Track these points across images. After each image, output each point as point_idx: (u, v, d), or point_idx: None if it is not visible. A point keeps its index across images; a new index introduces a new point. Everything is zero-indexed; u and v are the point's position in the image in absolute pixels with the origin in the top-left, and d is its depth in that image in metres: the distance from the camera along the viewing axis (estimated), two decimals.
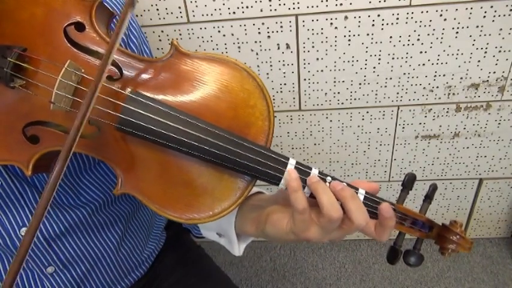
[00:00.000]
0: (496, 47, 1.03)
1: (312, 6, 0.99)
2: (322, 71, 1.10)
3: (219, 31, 1.05)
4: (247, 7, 1.00)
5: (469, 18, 0.98)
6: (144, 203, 0.47)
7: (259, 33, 1.04)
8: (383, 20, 1.00)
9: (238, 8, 1.00)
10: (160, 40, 1.08)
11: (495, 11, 0.97)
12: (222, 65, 0.47)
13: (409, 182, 0.51)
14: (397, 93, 1.13)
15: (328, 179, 0.46)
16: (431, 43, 1.03)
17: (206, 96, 0.46)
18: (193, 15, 1.03)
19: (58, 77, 0.42)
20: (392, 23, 1.00)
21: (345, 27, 1.02)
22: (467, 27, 1.00)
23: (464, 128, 1.19)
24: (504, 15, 0.98)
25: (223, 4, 1.00)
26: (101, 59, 0.46)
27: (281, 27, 1.03)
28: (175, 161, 0.46)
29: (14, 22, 0.46)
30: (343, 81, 1.12)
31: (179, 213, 0.47)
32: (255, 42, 1.06)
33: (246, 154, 0.44)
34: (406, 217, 0.50)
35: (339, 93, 1.14)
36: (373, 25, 1.01)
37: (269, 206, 0.54)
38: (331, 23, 1.01)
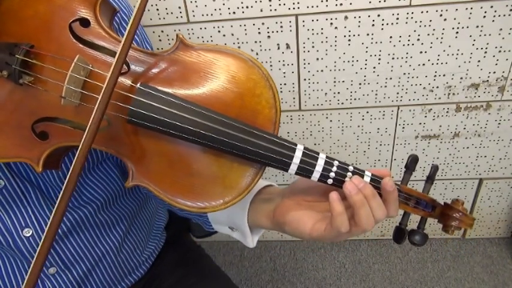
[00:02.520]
0: (496, 47, 1.03)
1: (312, 6, 0.99)
2: (322, 71, 1.10)
3: (219, 31, 1.05)
4: (247, 7, 1.00)
5: (469, 18, 0.99)
6: (155, 194, 0.47)
7: (259, 33, 1.04)
8: (383, 20, 1.00)
9: (238, 8, 1.01)
10: (160, 40, 1.08)
11: (495, 11, 0.97)
12: (227, 55, 0.47)
13: (412, 163, 0.53)
14: (397, 93, 1.13)
15: (336, 163, 0.47)
16: (431, 43, 1.03)
17: (213, 87, 0.47)
18: (193, 15, 1.03)
19: (68, 72, 0.43)
20: (392, 23, 1.01)
21: (345, 27, 1.02)
22: (467, 27, 1.00)
23: (464, 128, 1.19)
24: (504, 15, 0.98)
25: (223, 4, 1.00)
26: (107, 54, 0.47)
27: (281, 27, 1.03)
28: (185, 151, 0.47)
29: (19, 20, 0.46)
30: (343, 81, 1.12)
31: (191, 203, 0.47)
32: (255, 42, 1.06)
33: (255, 141, 0.45)
34: (410, 197, 0.52)
35: (339, 93, 1.14)
36: (373, 25, 1.01)
37: (279, 199, 0.54)
38: (331, 23, 1.01)
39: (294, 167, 0.46)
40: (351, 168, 0.47)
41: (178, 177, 0.47)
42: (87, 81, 0.45)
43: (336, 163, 0.47)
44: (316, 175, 0.47)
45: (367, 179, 0.48)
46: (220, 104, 0.46)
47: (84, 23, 0.47)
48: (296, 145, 0.46)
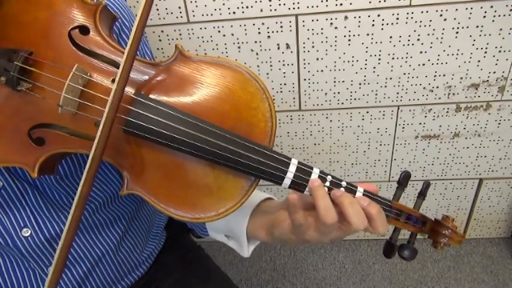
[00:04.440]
0: (496, 47, 1.03)
1: (312, 6, 0.99)
2: (322, 71, 1.10)
3: (219, 31, 1.05)
4: (247, 7, 1.00)
5: (469, 18, 0.99)
6: (149, 203, 0.47)
7: (259, 33, 1.04)
8: (383, 20, 1.00)
9: (238, 8, 1.01)
10: (160, 40, 1.08)
11: (495, 11, 0.97)
12: (225, 67, 0.47)
13: (404, 179, 0.53)
14: (397, 93, 1.13)
15: (329, 178, 0.47)
16: (431, 43, 1.03)
17: (210, 99, 0.47)
18: (193, 15, 1.03)
19: (66, 81, 0.43)
20: (392, 23, 1.00)
21: (345, 27, 1.02)
22: (467, 27, 1.00)
23: (464, 128, 1.19)
24: (504, 15, 0.98)
25: (223, 4, 1.00)
26: (106, 62, 0.47)
27: (281, 27, 1.03)
28: (180, 161, 0.47)
29: (18, 26, 0.46)
30: (343, 81, 1.12)
31: (184, 213, 0.48)
32: (255, 42, 1.06)
33: (250, 155, 0.45)
34: (401, 213, 0.53)
35: (339, 93, 1.14)
36: (373, 25, 1.01)
37: (277, 211, 0.54)
38: (331, 23, 1.01)
39: (287, 182, 0.46)
40: (344, 183, 0.47)
41: (172, 187, 0.47)
42: (84, 90, 0.45)
43: (329, 178, 0.47)
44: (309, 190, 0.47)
45: (359, 194, 0.48)
46: (217, 116, 0.46)
47: (84, 30, 0.47)
48: (290, 159, 0.46)
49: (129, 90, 0.46)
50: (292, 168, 0.46)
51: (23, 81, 0.44)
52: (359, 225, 0.45)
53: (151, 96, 0.46)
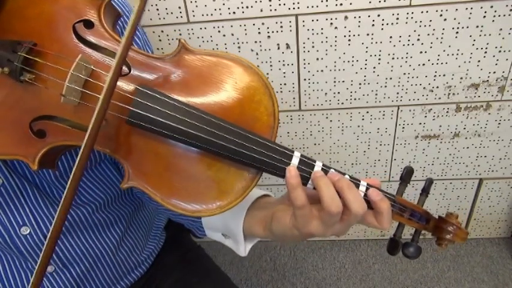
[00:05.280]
0: (496, 47, 1.03)
1: (312, 6, 0.99)
2: (322, 71, 1.10)
3: (219, 31, 1.05)
4: (247, 7, 1.00)
5: (469, 18, 0.99)
6: (151, 196, 0.47)
7: (259, 33, 1.04)
8: (383, 20, 1.00)
9: (238, 8, 1.01)
10: (160, 40, 1.08)
11: (495, 11, 0.97)
12: (228, 61, 0.48)
13: (407, 175, 0.53)
14: (397, 93, 1.13)
15: (331, 171, 0.47)
16: (431, 43, 1.03)
17: (213, 92, 0.47)
18: (193, 15, 1.03)
19: (70, 70, 0.43)
20: (392, 23, 1.01)
21: (345, 27, 1.02)
22: (467, 27, 1.00)
23: (464, 128, 1.19)
24: (504, 15, 0.98)
25: (223, 4, 1.00)
26: (109, 55, 0.47)
27: (281, 27, 1.03)
28: (182, 154, 0.47)
29: (23, 19, 0.46)
30: (343, 81, 1.12)
31: (186, 206, 0.47)
32: (255, 42, 1.06)
33: (252, 147, 0.45)
34: (405, 209, 0.52)
35: (339, 93, 1.14)
36: (373, 25, 1.01)
37: (275, 206, 0.54)
38: (331, 23, 1.01)
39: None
40: (346, 177, 0.47)
41: (174, 180, 0.47)
42: (88, 80, 0.45)
43: (331, 171, 0.47)
44: (312, 184, 0.46)
45: (362, 188, 0.48)
46: (220, 109, 0.47)
47: (88, 24, 0.47)
48: (293, 152, 0.46)
49: (133, 82, 0.46)
50: (295, 161, 0.46)
51: (26, 71, 0.44)
52: (359, 211, 0.44)
53: (155, 87, 0.46)
